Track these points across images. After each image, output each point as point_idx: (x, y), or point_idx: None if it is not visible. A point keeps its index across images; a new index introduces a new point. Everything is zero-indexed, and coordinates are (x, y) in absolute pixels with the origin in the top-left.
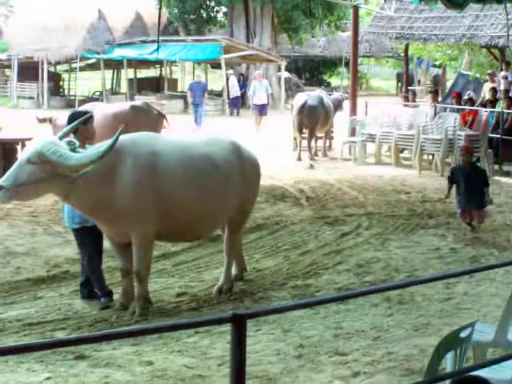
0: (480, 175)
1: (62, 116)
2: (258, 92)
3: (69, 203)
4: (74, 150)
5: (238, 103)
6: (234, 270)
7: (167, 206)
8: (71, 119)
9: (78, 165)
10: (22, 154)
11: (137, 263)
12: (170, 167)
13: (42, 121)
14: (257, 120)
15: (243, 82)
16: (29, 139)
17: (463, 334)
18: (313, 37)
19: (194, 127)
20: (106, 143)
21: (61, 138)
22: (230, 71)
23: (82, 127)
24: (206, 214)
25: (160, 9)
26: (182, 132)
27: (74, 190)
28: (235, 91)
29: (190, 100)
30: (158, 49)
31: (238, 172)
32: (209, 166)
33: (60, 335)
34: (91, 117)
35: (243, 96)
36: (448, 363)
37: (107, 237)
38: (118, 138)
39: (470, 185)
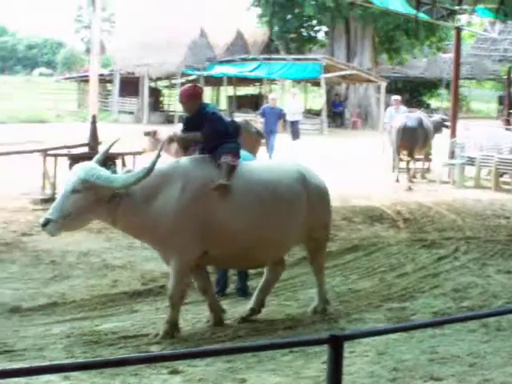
0: None
1: (163, 131)
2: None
3: (118, 229)
4: (113, 172)
5: (297, 128)
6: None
7: (213, 233)
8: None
9: (126, 185)
10: (64, 186)
11: (171, 288)
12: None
13: (148, 134)
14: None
15: (339, 102)
16: (128, 153)
17: None
18: (414, 57)
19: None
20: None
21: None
22: (294, 89)
23: (247, 136)
24: (261, 242)
25: (271, 28)
26: (279, 150)
27: (118, 214)
28: (296, 115)
29: (261, 127)
30: (266, 67)
31: (301, 200)
32: (266, 194)
33: (154, 349)
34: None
35: (341, 114)
36: None
37: (163, 261)
38: (159, 156)
39: None
